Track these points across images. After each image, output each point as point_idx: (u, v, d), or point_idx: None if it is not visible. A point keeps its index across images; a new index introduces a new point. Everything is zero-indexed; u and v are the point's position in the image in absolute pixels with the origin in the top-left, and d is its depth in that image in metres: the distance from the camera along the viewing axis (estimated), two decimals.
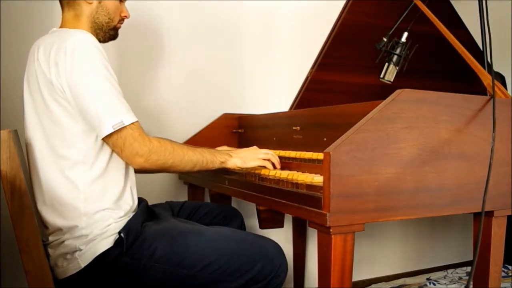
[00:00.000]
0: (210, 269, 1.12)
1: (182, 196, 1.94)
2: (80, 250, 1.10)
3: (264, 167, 1.31)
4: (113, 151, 1.14)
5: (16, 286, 1.61)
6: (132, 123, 1.11)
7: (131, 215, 1.18)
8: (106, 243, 1.10)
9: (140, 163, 1.11)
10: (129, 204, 1.19)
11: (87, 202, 1.12)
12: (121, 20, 1.33)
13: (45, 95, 1.11)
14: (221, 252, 1.14)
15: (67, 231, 1.12)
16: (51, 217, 1.13)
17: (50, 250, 1.14)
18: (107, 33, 1.29)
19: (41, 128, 1.13)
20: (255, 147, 1.38)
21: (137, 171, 1.20)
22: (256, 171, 1.31)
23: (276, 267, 1.17)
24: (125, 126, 1.09)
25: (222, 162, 1.27)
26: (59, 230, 1.13)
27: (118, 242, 1.11)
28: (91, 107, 1.08)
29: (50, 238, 1.14)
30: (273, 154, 1.35)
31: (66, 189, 1.12)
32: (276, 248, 1.20)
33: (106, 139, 1.10)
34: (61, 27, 1.24)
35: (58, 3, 1.26)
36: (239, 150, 1.36)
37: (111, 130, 1.07)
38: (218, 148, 1.46)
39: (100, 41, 1.28)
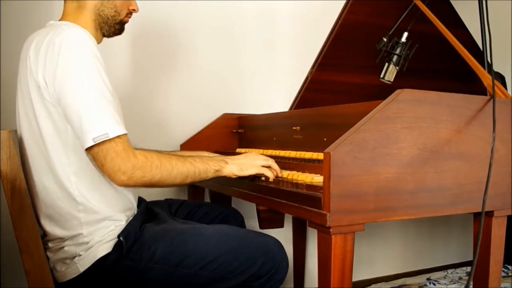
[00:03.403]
0: (210, 267, 1.11)
1: (182, 196, 1.94)
2: (80, 255, 1.08)
3: (263, 174, 1.20)
4: (96, 165, 1.05)
5: (16, 286, 1.61)
6: (118, 136, 1.01)
7: (130, 218, 1.17)
8: (105, 248, 1.09)
9: (122, 180, 1.01)
10: (130, 209, 1.18)
11: (86, 213, 1.09)
12: (129, 13, 1.25)
13: (33, 98, 1.05)
14: (221, 250, 1.13)
15: (69, 239, 1.10)
16: (49, 227, 1.10)
17: (49, 254, 1.12)
18: (112, 27, 1.22)
19: (32, 132, 1.08)
20: (254, 152, 1.29)
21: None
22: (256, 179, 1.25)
23: (277, 263, 1.16)
24: (108, 139, 0.99)
25: (217, 171, 1.17)
26: (60, 238, 1.10)
27: (117, 246, 1.09)
28: (74, 114, 1.00)
29: (50, 244, 1.12)
30: (273, 161, 1.23)
31: (63, 199, 1.08)
32: (277, 244, 1.19)
33: (87, 151, 1.02)
34: (61, 19, 1.17)
35: (58, 3, 1.22)
36: (237, 156, 1.26)
37: (92, 143, 0.98)
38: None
39: (104, 35, 1.23)
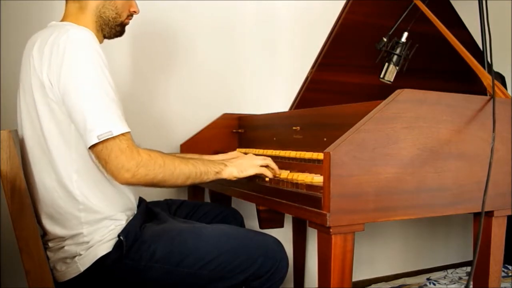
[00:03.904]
0: (210, 266, 1.12)
1: (182, 196, 1.94)
2: (80, 255, 1.08)
3: (262, 174, 1.22)
4: (99, 163, 1.05)
5: (16, 286, 1.61)
6: (122, 134, 1.01)
7: (130, 218, 1.17)
8: (106, 247, 1.09)
9: (126, 178, 1.01)
10: (130, 209, 1.18)
11: (87, 212, 1.09)
12: (130, 15, 1.26)
13: (36, 96, 1.05)
14: (221, 250, 1.13)
15: (69, 238, 1.10)
16: (50, 226, 1.10)
17: (49, 254, 1.12)
18: (113, 29, 1.22)
19: (34, 131, 1.08)
20: (250, 154, 1.30)
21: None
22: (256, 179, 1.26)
23: (277, 262, 1.16)
24: (112, 137, 1.00)
25: (217, 173, 1.18)
26: (60, 237, 1.10)
27: (117, 245, 1.09)
28: (78, 113, 1.01)
29: (50, 244, 1.12)
30: (270, 160, 1.26)
31: (64, 198, 1.08)
32: (276, 243, 1.20)
33: (90, 149, 1.03)
34: (62, 20, 1.18)
35: (59, 3, 1.23)
36: (235, 158, 1.28)
37: (96, 141, 0.99)
38: (225, 155, 1.38)
39: (105, 37, 1.24)
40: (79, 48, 1.03)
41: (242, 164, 1.22)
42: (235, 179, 1.22)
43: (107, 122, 1.00)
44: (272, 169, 1.25)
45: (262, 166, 1.23)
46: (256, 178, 1.24)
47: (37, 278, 0.99)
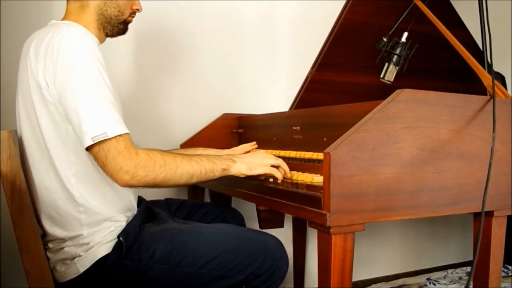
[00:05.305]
0: (210, 266, 1.11)
1: (182, 196, 1.94)
2: (80, 256, 1.08)
3: (272, 175, 1.17)
4: (98, 165, 1.03)
5: (16, 286, 1.61)
6: (119, 135, 0.99)
7: (130, 218, 1.17)
8: (105, 248, 1.08)
9: (125, 180, 0.99)
10: (130, 210, 1.18)
11: (87, 214, 1.08)
12: (133, 13, 1.24)
13: (34, 98, 1.04)
14: (220, 249, 1.13)
15: (69, 239, 1.10)
16: (50, 228, 1.10)
17: (49, 254, 1.12)
18: (115, 27, 1.21)
19: (33, 132, 1.08)
20: (262, 151, 1.23)
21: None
22: (262, 178, 1.22)
23: (277, 261, 1.16)
24: (108, 138, 0.97)
25: (224, 170, 1.13)
26: (60, 239, 1.10)
27: (117, 246, 1.09)
28: (74, 114, 0.99)
29: (50, 245, 1.12)
30: (282, 161, 1.19)
31: (64, 199, 1.07)
32: (276, 242, 1.19)
33: (88, 151, 1.01)
34: (63, 18, 1.17)
35: (58, 3, 1.23)
36: (245, 154, 1.23)
37: (91, 142, 0.97)
38: (230, 150, 1.33)
39: (107, 35, 1.23)
40: (74, 47, 1.01)
41: (252, 162, 1.17)
42: (243, 176, 1.17)
43: (102, 123, 0.98)
44: (283, 170, 1.19)
45: (272, 166, 1.18)
46: (265, 179, 1.23)
47: (37, 278, 0.99)
